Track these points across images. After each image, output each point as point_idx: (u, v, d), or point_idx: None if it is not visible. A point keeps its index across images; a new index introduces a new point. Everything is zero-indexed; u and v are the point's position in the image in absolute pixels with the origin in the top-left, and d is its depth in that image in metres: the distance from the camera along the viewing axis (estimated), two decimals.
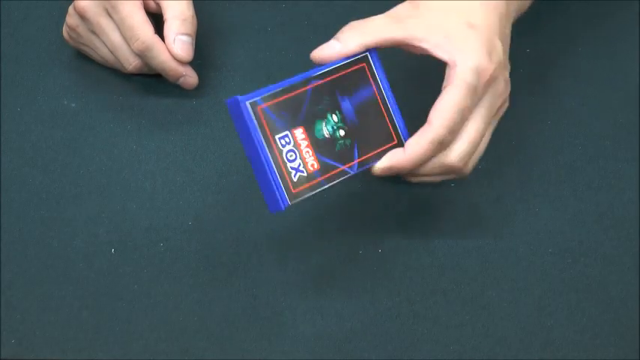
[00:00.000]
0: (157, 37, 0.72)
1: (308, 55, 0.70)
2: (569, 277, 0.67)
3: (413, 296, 0.66)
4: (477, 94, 0.62)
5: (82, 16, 0.73)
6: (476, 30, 0.63)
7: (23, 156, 0.73)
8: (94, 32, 0.74)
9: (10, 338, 0.64)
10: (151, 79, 0.76)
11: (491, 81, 0.62)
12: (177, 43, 0.72)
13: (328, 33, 0.78)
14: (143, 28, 0.71)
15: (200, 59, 0.77)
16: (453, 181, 0.71)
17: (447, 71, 0.62)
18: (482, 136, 0.63)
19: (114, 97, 0.76)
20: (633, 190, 0.70)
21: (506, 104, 0.66)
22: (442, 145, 0.62)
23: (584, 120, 0.74)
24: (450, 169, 0.63)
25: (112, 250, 0.68)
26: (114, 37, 0.73)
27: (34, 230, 0.69)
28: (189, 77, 0.74)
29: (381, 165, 0.63)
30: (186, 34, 0.72)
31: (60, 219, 0.69)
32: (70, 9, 0.74)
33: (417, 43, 0.63)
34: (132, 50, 0.73)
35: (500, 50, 0.63)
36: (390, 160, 0.63)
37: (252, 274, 0.67)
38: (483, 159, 0.68)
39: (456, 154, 0.62)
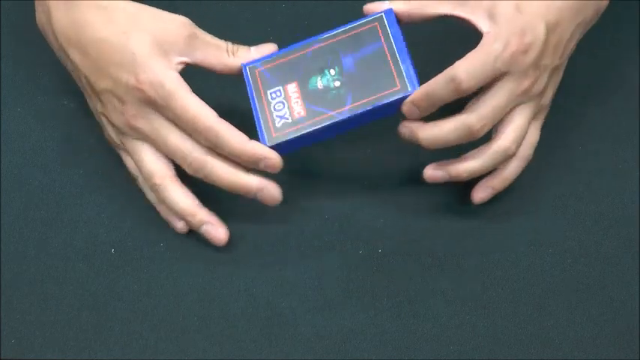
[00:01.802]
0: (222, 121, 0.64)
1: None
2: (569, 277, 0.67)
3: (413, 296, 0.66)
4: (500, 60, 0.63)
5: (132, 128, 0.66)
6: (521, 12, 0.64)
7: (23, 156, 0.73)
8: (140, 139, 0.66)
9: (10, 338, 0.64)
10: None
11: (517, 55, 0.63)
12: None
13: None
14: (206, 113, 0.64)
15: None
16: (453, 182, 0.71)
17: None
18: (500, 106, 0.64)
19: None
20: (633, 190, 0.70)
21: (536, 92, 0.65)
22: (454, 82, 0.63)
23: (584, 120, 0.74)
24: (466, 127, 0.64)
25: (112, 250, 0.68)
26: (172, 137, 0.65)
27: (34, 230, 0.69)
28: (272, 159, 0.64)
29: (407, 100, 0.65)
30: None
31: (60, 219, 0.69)
32: (104, 120, 0.68)
33: (463, 15, 0.66)
34: (196, 148, 0.65)
35: (539, 34, 0.63)
36: (411, 96, 0.65)
37: (252, 274, 0.67)
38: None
39: (475, 112, 0.64)
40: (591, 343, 0.64)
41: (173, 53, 0.66)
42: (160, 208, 0.68)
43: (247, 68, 0.67)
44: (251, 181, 0.65)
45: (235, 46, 0.68)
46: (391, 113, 0.66)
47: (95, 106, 0.68)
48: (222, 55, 0.68)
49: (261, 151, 0.64)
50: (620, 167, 0.72)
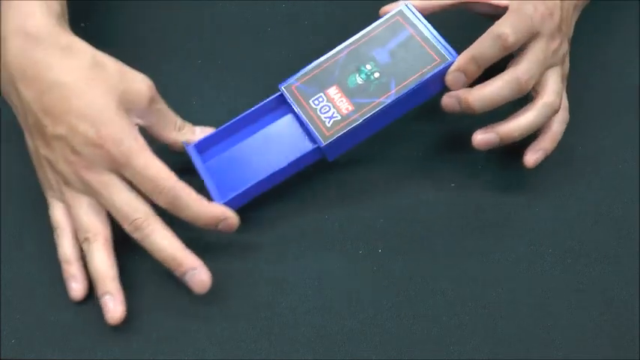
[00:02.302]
0: (182, 183, 0.64)
1: (308, 55, 0.71)
2: (569, 277, 0.67)
3: (413, 296, 0.66)
4: (534, 19, 0.66)
5: (79, 179, 0.64)
6: None
7: (23, 156, 0.73)
8: (82, 192, 0.64)
9: (10, 338, 0.64)
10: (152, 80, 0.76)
11: (545, 17, 0.66)
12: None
13: (328, 33, 0.79)
14: (167, 174, 0.63)
15: (200, 59, 0.77)
16: (454, 181, 0.71)
17: (507, 11, 0.67)
18: (540, 60, 0.66)
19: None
20: (633, 190, 0.70)
21: (562, 55, 0.68)
22: (501, 39, 0.65)
23: (585, 119, 0.74)
24: (514, 79, 0.66)
25: None
26: (120, 195, 0.63)
27: (34, 230, 0.69)
28: (230, 219, 0.65)
29: (451, 69, 0.67)
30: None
31: None
32: (45, 164, 0.65)
33: None
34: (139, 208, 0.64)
35: (556, 4, 0.67)
36: (455, 62, 0.67)
37: (252, 273, 0.67)
38: (484, 160, 0.68)
39: (519, 67, 0.66)
40: (591, 343, 0.64)
41: (134, 113, 0.65)
42: (67, 267, 0.65)
43: (283, 88, 0.69)
44: (187, 257, 0.63)
45: (183, 123, 0.69)
46: (436, 90, 0.68)
47: (38, 148, 0.65)
48: (171, 128, 0.68)
49: (221, 211, 0.64)
50: (620, 167, 0.72)
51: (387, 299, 0.66)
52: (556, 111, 0.68)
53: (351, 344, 0.64)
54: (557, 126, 0.69)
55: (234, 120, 0.70)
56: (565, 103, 0.70)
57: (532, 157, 0.69)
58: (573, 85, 0.73)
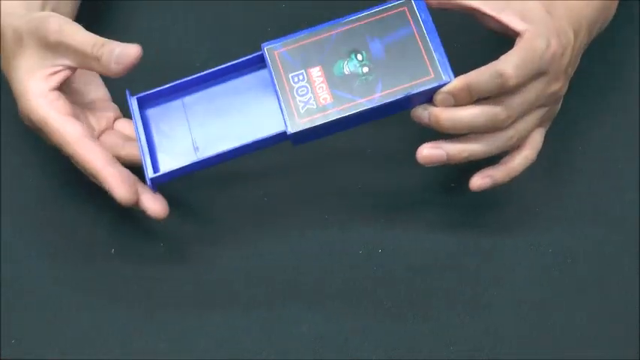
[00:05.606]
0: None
1: None
2: (569, 277, 0.67)
3: (413, 296, 0.66)
4: (543, 59, 0.62)
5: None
6: (551, 15, 0.64)
7: (23, 156, 0.73)
8: None
9: (10, 338, 0.64)
10: (151, 80, 0.76)
11: (557, 56, 0.63)
12: None
13: None
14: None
15: (200, 59, 0.77)
16: (454, 181, 0.71)
17: (517, 40, 0.63)
18: (530, 101, 0.63)
19: (113, 97, 0.76)
20: (633, 190, 0.70)
21: (558, 97, 0.66)
22: (502, 78, 0.61)
23: (584, 120, 0.74)
24: (492, 114, 0.63)
25: (112, 250, 0.68)
26: None
27: (34, 230, 0.69)
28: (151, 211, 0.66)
29: (443, 89, 0.62)
30: None
31: (60, 219, 0.69)
32: None
33: (493, 13, 0.64)
34: None
35: (570, 39, 0.64)
36: (449, 85, 0.63)
37: (252, 274, 0.67)
38: (483, 160, 0.68)
39: (503, 102, 0.63)
40: (591, 343, 0.64)
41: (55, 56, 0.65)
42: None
43: (266, 49, 0.64)
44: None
45: (102, 42, 0.66)
46: (421, 102, 0.63)
47: None
48: (88, 49, 0.66)
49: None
50: (620, 167, 0.72)
51: (387, 299, 0.66)
52: (509, 145, 0.64)
53: (351, 344, 0.64)
54: (518, 161, 0.65)
55: (196, 75, 0.65)
56: (538, 144, 0.66)
57: (478, 181, 0.65)
58: (574, 85, 0.73)
